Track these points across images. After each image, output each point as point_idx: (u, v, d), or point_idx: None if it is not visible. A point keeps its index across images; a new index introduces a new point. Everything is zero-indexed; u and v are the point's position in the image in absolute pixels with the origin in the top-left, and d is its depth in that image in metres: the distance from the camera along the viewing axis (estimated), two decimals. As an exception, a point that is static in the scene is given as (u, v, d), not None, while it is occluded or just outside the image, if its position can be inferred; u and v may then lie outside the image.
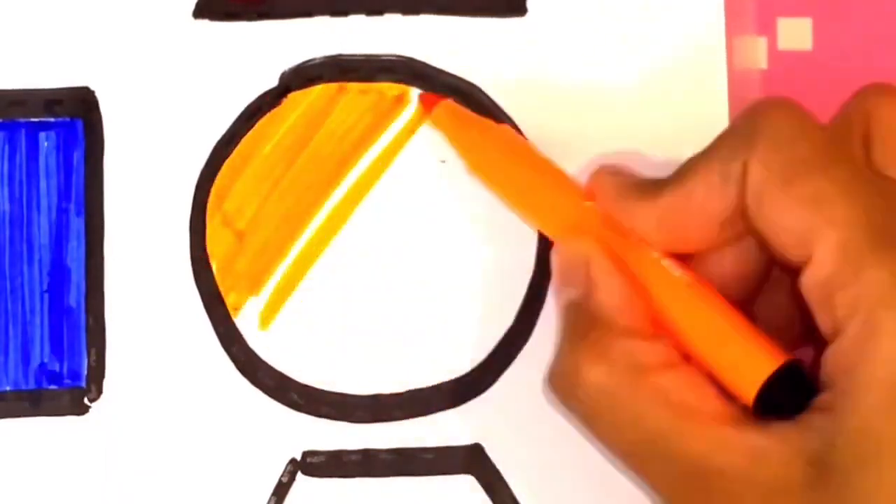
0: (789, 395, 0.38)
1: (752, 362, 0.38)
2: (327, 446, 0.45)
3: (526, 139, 0.45)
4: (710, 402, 0.38)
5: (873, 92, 0.40)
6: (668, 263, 0.40)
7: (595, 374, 0.38)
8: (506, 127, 0.44)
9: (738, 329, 0.39)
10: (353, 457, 0.45)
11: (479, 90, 0.46)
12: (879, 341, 0.35)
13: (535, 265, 0.45)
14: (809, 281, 0.37)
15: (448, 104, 0.45)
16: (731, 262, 0.40)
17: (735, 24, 0.46)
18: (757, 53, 0.46)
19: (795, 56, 0.46)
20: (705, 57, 0.46)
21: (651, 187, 0.40)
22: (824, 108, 0.45)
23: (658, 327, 0.39)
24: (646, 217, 0.40)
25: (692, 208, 0.39)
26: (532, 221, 0.44)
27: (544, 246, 0.45)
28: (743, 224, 0.39)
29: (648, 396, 0.38)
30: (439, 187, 0.45)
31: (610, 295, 0.40)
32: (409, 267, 0.45)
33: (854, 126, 0.40)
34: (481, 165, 0.44)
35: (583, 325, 0.40)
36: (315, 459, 0.45)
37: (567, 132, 0.45)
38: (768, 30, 0.46)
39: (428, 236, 0.45)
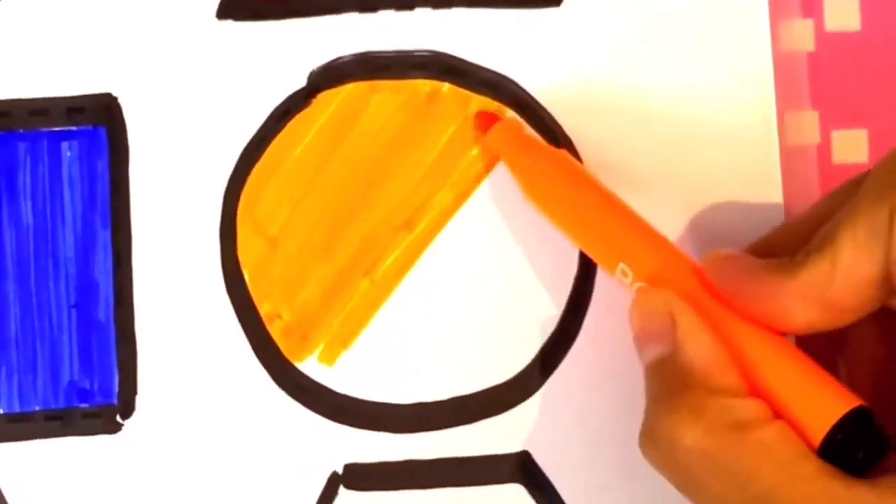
0: (861, 444, 0.37)
1: (822, 407, 0.37)
2: (369, 458, 0.44)
3: (582, 165, 0.43)
4: (811, 457, 0.37)
5: None
6: None
7: (693, 436, 0.37)
8: (564, 152, 0.43)
9: (814, 378, 0.38)
10: (397, 468, 0.44)
11: (515, 84, 0.45)
12: None
13: (579, 268, 0.45)
14: None
15: (504, 124, 0.44)
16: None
17: (779, 6, 0.45)
18: (804, 36, 0.45)
19: (843, 37, 0.46)
20: (749, 42, 0.45)
21: (786, 262, 0.38)
22: (875, 90, 0.45)
23: (749, 384, 0.38)
24: (790, 294, 0.37)
25: (841, 274, 0.37)
26: (596, 257, 0.43)
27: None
28: (889, 292, 0.37)
29: (754, 454, 0.36)
30: (480, 192, 0.45)
31: (701, 352, 0.38)
32: (450, 273, 0.45)
33: None
34: (539, 193, 0.43)
35: (672, 384, 0.38)
36: (357, 472, 0.44)
37: (605, 125, 0.45)
38: (814, 11, 0.46)
39: (471, 242, 0.45)
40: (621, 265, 0.40)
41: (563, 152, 0.43)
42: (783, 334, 0.38)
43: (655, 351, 0.39)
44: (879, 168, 0.37)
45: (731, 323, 0.38)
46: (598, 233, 0.42)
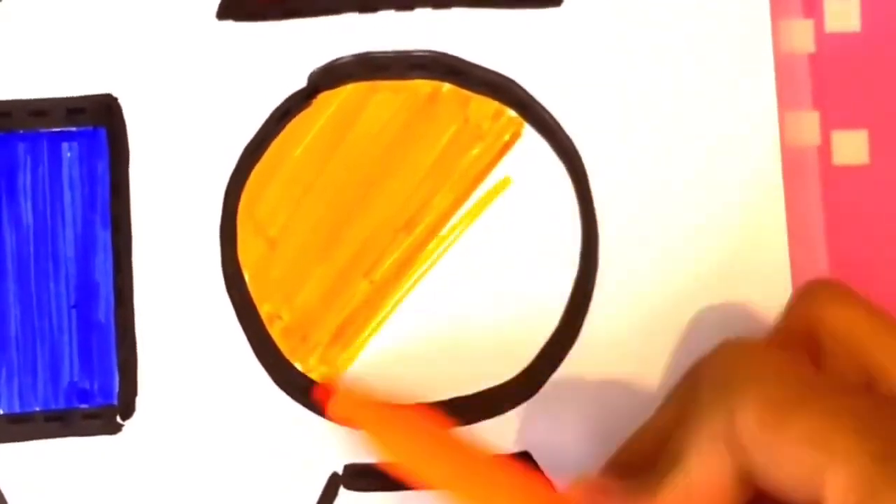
0: None
1: None
2: (370, 458, 0.44)
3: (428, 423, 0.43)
4: None
5: (822, 295, 0.39)
6: None
7: None
8: (410, 409, 0.43)
9: None
10: (397, 469, 0.44)
11: (515, 84, 0.45)
12: None
13: (579, 269, 0.45)
14: None
15: (343, 395, 0.43)
16: None
17: (780, 6, 0.45)
18: (804, 36, 0.45)
19: (844, 38, 0.45)
20: (749, 42, 0.45)
21: (642, 487, 0.39)
22: (875, 91, 0.45)
23: None
24: None
25: (697, 490, 0.38)
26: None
27: (588, 249, 0.44)
28: (749, 486, 0.37)
29: None
30: (480, 193, 0.45)
31: None
32: (449, 274, 0.45)
33: (801, 332, 0.39)
34: (400, 456, 0.42)
35: None
36: (357, 472, 0.44)
37: (605, 124, 0.45)
38: (815, 11, 0.45)
39: (471, 243, 0.45)
40: None
41: (409, 409, 0.43)
42: None
43: None
44: (710, 373, 0.38)
45: None
46: (464, 482, 0.41)
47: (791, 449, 0.36)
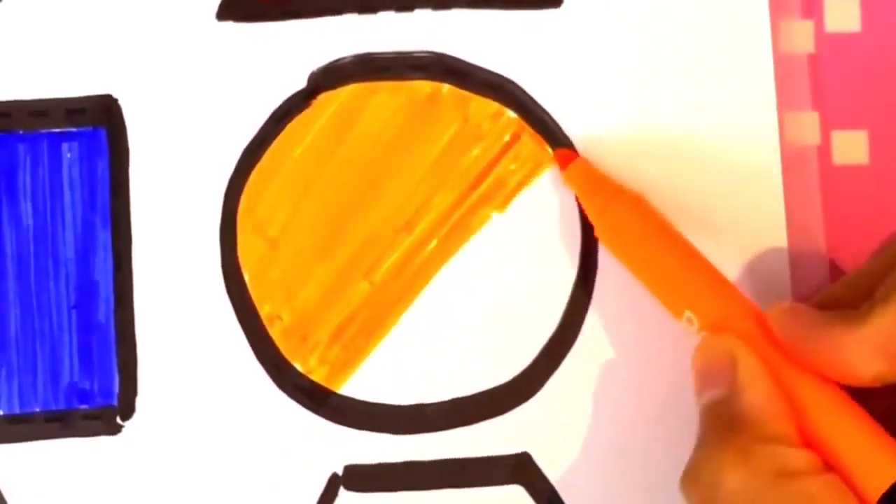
0: None
1: (881, 467, 0.37)
2: (369, 459, 0.44)
3: (656, 210, 0.43)
4: None
5: None
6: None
7: (737, 479, 0.37)
8: (639, 196, 0.43)
9: (874, 437, 0.38)
10: (397, 469, 0.44)
11: (515, 84, 0.45)
12: None
13: (579, 270, 0.45)
14: None
15: (583, 163, 0.44)
16: None
17: (779, 7, 0.45)
18: (804, 37, 0.45)
19: (844, 38, 0.45)
20: (749, 43, 0.45)
21: (850, 314, 0.38)
22: (875, 91, 0.45)
23: (803, 435, 0.38)
24: (857, 345, 0.37)
25: None
26: (663, 301, 0.42)
27: (587, 250, 0.44)
28: None
29: (795, 502, 0.36)
30: (480, 194, 0.45)
31: (758, 398, 0.38)
32: (448, 275, 0.45)
33: None
34: (611, 234, 0.43)
35: (726, 426, 0.38)
36: (357, 473, 0.44)
37: (605, 125, 0.45)
38: (814, 12, 0.45)
39: (471, 243, 0.45)
40: (687, 313, 0.41)
41: (639, 196, 0.43)
42: (853, 387, 0.38)
43: (713, 393, 0.39)
44: None
45: (792, 374, 0.39)
46: (667, 279, 0.42)
47: None
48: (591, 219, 0.43)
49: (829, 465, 0.38)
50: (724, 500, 0.37)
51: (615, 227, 0.43)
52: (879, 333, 0.37)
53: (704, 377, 0.40)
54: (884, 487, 0.36)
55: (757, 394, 0.38)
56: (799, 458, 0.37)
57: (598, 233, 0.43)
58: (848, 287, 0.41)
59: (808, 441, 0.38)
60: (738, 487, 0.37)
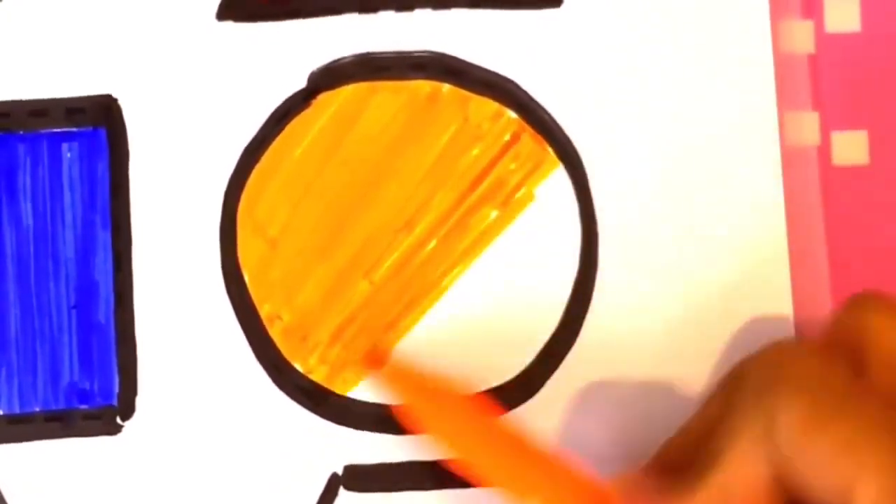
0: None
1: None
2: (369, 459, 0.44)
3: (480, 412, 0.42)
4: None
5: (870, 306, 0.39)
6: None
7: None
8: (463, 396, 0.43)
9: None
10: (397, 469, 0.44)
11: (515, 84, 0.45)
12: None
13: (579, 269, 0.45)
14: None
15: (394, 365, 0.44)
16: None
17: (779, 7, 0.45)
18: (804, 37, 0.45)
19: (844, 38, 0.45)
20: (749, 42, 0.45)
21: (678, 484, 0.39)
22: (875, 91, 0.45)
23: None
24: None
25: (733, 492, 0.38)
26: (513, 496, 0.42)
27: (588, 250, 0.44)
28: (783, 493, 0.37)
29: None
30: (480, 193, 0.45)
31: None
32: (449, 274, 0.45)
33: (846, 343, 0.39)
34: (447, 438, 0.42)
35: None
36: (357, 473, 0.44)
37: (605, 125, 0.45)
38: (814, 12, 0.45)
39: (470, 243, 0.45)
40: None
41: (462, 396, 0.43)
42: None
43: None
44: (755, 374, 0.38)
45: None
46: (509, 473, 0.41)
47: (826, 457, 0.36)
48: (423, 426, 0.42)
49: None
50: None
51: (447, 431, 0.42)
52: (712, 502, 0.38)
53: None
54: None
55: None
56: None
57: (432, 437, 0.42)
58: (678, 446, 0.41)
59: None
60: None
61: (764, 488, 0.37)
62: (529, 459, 0.41)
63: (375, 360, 0.44)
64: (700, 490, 0.38)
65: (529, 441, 0.42)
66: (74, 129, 0.45)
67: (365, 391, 0.44)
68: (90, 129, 0.45)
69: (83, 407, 0.44)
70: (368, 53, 0.45)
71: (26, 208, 0.44)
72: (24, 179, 0.44)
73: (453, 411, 0.42)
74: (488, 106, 0.45)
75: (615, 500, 0.40)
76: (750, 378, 0.38)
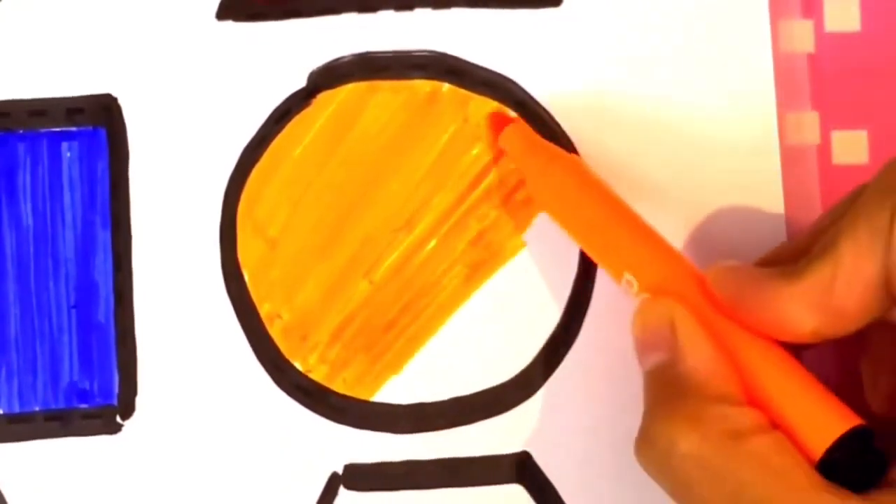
0: (859, 463, 0.37)
1: (824, 423, 0.37)
2: (369, 458, 0.44)
3: (593, 172, 0.43)
4: (806, 469, 0.36)
5: None
6: None
7: (688, 443, 0.37)
8: (576, 157, 0.43)
9: (817, 394, 0.38)
10: (397, 469, 0.44)
11: (514, 84, 0.45)
12: None
13: (579, 269, 0.45)
14: None
15: (517, 126, 0.44)
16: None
17: (779, 6, 0.45)
18: (804, 36, 0.45)
19: (843, 38, 0.45)
20: (749, 42, 0.45)
21: (788, 270, 0.38)
22: (875, 91, 0.45)
23: (748, 395, 0.38)
24: (793, 300, 0.37)
25: (842, 277, 0.36)
26: (603, 264, 0.42)
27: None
28: (885, 301, 0.36)
29: (748, 463, 0.36)
30: (479, 193, 0.45)
31: (700, 360, 0.38)
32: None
33: None
34: (549, 198, 0.43)
35: (671, 391, 0.38)
36: (357, 472, 0.44)
37: (605, 124, 0.45)
38: (814, 11, 0.45)
39: (470, 243, 0.45)
40: (627, 275, 0.40)
41: (576, 157, 0.43)
42: (793, 344, 0.38)
43: (655, 358, 0.39)
44: (880, 173, 0.37)
45: (734, 334, 0.38)
46: (606, 241, 0.41)
47: None
48: (528, 182, 0.43)
49: (775, 423, 0.37)
50: (678, 464, 0.37)
51: (553, 189, 0.42)
52: (814, 288, 0.37)
53: (645, 342, 0.39)
54: (827, 443, 0.36)
55: (699, 355, 0.38)
56: (747, 417, 0.37)
57: (535, 195, 0.43)
58: (790, 247, 0.41)
59: (753, 400, 0.38)
60: (691, 450, 0.37)
61: (872, 284, 0.36)
62: (631, 232, 0.41)
63: (499, 120, 0.44)
64: (808, 273, 0.37)
65: (633, 214, 0.41)
66: (74, 129, 0.45)
67: (365, 390, 0.44)
68: (90, 128, 0.45)
69: (83, 406, 0.44)
70: (368, 53, 0.45)
71: (26, 208, 0.44)
72: (24, 179, 0.44)
73: (562, 171, 0.42)
74: (488, 105, 0.45)
75: (710, 285, 0.39)
76: (873, 181, 0.37)
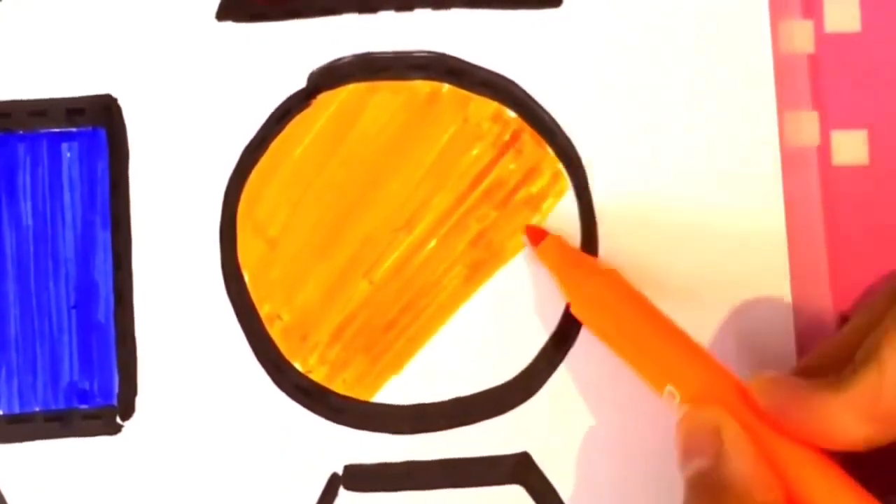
0: None
1: None
2: (369, 459, 0.44)
3: (630, 284, 0.43)
4: None
5: None
6: None
7: None
8: (613, 271, 0.43)
9: (861, 502, 0.38)
10: (397, 469, 0.44)
11: (514, 84, 0.45)
12: None
13: (580, 265, 0.44)
14: None
15: (555, 240, 0.44)
16: None
17: (779, 6, 0.45)
18: (804, 37, 0.45)
19: (843, 38, 0.45)
20: (749, 42, 0.45)
21: (833, 380, 0.38)
22: (875, 91, 0.45)
23: (790, 501, 0.38)
24: (843, 410, 0.37)
25: (889, 383, 0.36)
26: (644, 377, 0.42)
27: (589, 247, 0.44)
28: None
29: None
30: (479, 193, 0.45)
31: (744, 467, 0.38)
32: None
33: None
34: (587, 310, 0.43)
35: (712, 496, 0.38)
36: (357, 473, 0.44)
37: (604, 125, 0.45)
38: (814, 12, 0.45)
39: (470, 243, 0.45)
40: (669, 387, 0.40)
41: (614, 270, 0.42)
42: (843, 453, 0.38)
43: (698, 463, 0.39)
44: None
45: (777, 443, 0.38)
46: (647, 354, 0.41)
47: None
48: (567, 296, 0.43)
49: None
50: None
51: (592, 303, 0.42)
52: (864, 396, 0.37)
53: (688, 448, 0.39)
54: None
55: (742, 463, 0.38)
56: None
57: (574, 309, 0.43)
58: (825, 355, 0.41)
59: None
60: None
61: None
62: (671, 343, 0.41)
63: (536, 233, 0.44)
64: (851, 387, 0.37)
65: (672, 325, 0.41)
66: (74, 129, 0.44)
67: (364, 390, 0.44)
68: (90, 129, 0.44)
69: (83, 407, 0.44)
70: (368, 53, 0.45)
71: (26, 208, 0.44)
72: (24, 179, 0.44)
73: (601, 285, 0.42)
74: (488, 106, 0.45)
75: (754, 396, 0.39)
76: None
